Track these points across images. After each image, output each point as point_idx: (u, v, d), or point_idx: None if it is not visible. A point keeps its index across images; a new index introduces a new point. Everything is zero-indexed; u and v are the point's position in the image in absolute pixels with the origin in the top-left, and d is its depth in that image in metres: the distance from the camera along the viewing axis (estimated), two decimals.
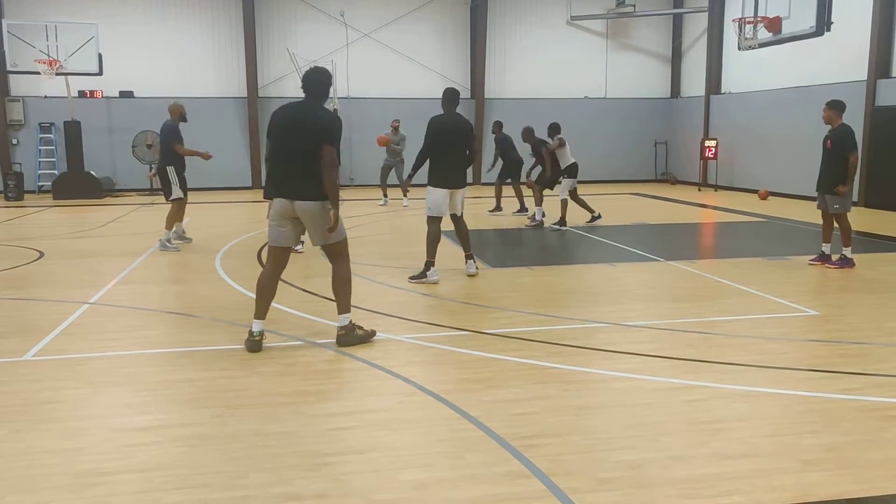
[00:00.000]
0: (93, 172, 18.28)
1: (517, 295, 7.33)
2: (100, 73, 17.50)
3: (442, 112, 7.94)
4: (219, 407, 4.40)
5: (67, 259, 9.56)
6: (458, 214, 8.11)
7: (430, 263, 7.90)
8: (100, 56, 17.32)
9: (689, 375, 4.92)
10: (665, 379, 4.83)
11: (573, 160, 11.77)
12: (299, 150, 5.32)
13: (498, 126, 14.23)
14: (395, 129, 15.90)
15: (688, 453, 3.71)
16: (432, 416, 4.24)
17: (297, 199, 5.36)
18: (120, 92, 19.41)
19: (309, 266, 8.85)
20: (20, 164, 19.00)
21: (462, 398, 4.46)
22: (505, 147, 13.87)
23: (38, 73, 17.05)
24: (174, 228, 10.33)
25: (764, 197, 16.87)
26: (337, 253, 5.63)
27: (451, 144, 7.80)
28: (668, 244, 11.00)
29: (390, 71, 20.73)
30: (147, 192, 18.93)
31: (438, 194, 7.84)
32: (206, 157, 10.17)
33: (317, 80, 5.47)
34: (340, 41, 20.49)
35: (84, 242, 11.06)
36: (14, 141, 19.26)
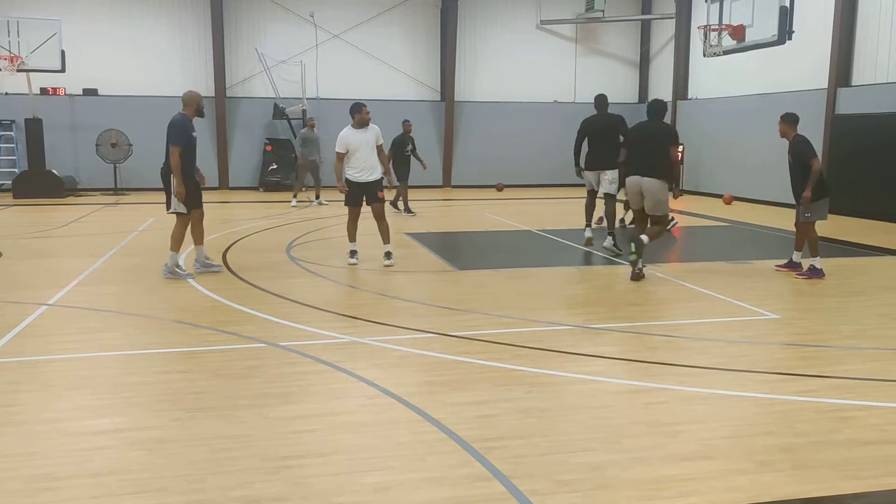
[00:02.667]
0: (54, 171, 17.93)
1: (483, 297, 7.34)
2: (62, 70, 17.17)
3: None
4: (178, 410, 4.34)
5: (26, 259, 9.37)
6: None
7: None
8: (63, 53, 17.00)
9: (652, 378, 4.97)
10: (628, 381, 4.88)
11: None
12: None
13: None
14: (311, 127, 16.16)
15: (648, 455, 3.75)
16: (395, 419, 4.23)
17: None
18: (84, 90, 19.06)
19: (276, 268, 8.79)
20: None
21: (425, 401, 4.46)
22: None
23: None
24: (183, 252, 8.58)
25: (728, 202, 17.12)
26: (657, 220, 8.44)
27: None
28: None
29: (360, 72, 20.67)
30: (111, 192, 18.63)
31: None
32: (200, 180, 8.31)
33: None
34: (310, 42, 20.38)
35: (44, 242, 10.85)
36: None
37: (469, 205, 16.61)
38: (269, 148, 20.03)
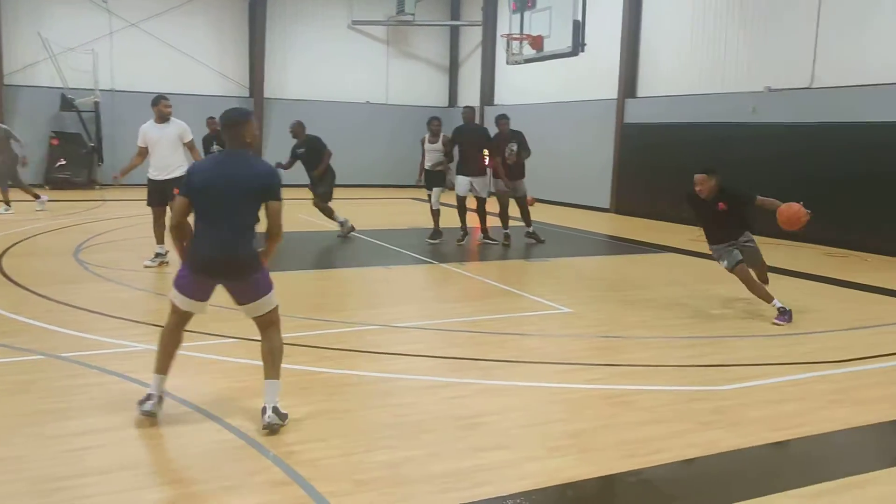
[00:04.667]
0: None
1: (288, 299, 7.18)
2: None
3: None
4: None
5: None
6: None
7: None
8: None
9: (454, 374, 5.10)
10: (430, 378, 4.97)
11: None
12: None
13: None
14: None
15: (446, 449, 3.84)
16: (191, 429, 4.02)
17: None
18: None
19: (60, 273, 8.06)
20: None
21: (223, 408, 4.28)
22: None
23: None
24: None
25: (531, 203, 18.04)
26: None
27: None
28: (441, 247, 11.39)
29: (161, 64, 19.47)
30: None
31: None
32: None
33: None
34: (103, 29, 18.93)
35: None
36: None
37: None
38: (55, 142, 18.33)
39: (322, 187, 11.34)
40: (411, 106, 22.62)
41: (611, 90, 16.55)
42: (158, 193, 8.27)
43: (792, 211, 6.53)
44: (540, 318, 6.77)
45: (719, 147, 12.90)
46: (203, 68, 20.17)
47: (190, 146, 8.39)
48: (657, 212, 14.91)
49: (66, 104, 18.23)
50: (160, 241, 8.44)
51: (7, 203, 13.10)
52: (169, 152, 8.24)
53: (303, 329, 6.05)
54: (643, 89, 16.07)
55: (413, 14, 20.99)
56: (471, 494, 3.35)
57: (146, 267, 8.38)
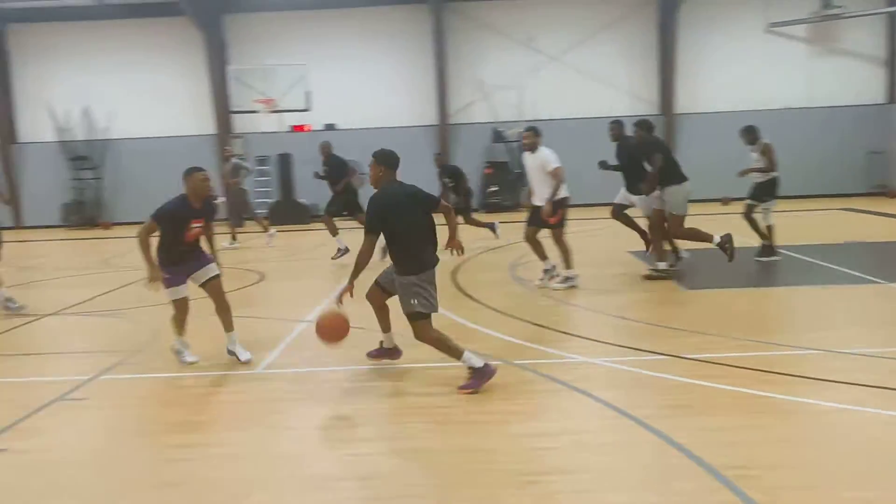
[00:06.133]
0: (302, 200, 19.87)
1: (717, 318, 7.06)
2: (308, 110, 19.03)
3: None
4: (427, 422, 4.65)
5: (283, 281, 10.49)
6: None
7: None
8: (307, 94, 18.85)
9: None
10: (890, 412, 4.46)
11: None
12: None
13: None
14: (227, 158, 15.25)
15: None
16: (635, 441, 4.22)
17: None
18: (325, 125, 21.00)
19: (500, 287, 9.05)
20: (246, 190, 21.10)
21: (665, 424, 4.39)
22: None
23: (257, 111, 18.89)
24: None
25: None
26: None
27: None
28: (889, 264, 10.07)
29: (577, 92, 20.74)
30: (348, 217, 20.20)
31: None
32: None
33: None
34: (528, 65, 20.82)
35: (297, 266, 12.07)
36: None
37: (695, 220, 15.97)
38: (488, 171, 20.71)
39: (334, 205, 12.20)
40: (837, 107, 20.49)
41: None
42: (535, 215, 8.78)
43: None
44: None
45: None
46: (613, 91, 20.89)
47: (552, 173, 8.41)
48: None
49: (497, 136, 20.49)
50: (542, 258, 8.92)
51: (236, 237, 14.88)
52: (535, 178, 8.65)
53: (737, 350, 5.89)
54: None
55: (842, 6, 19.02)
56: None
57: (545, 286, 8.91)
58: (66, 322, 8.26)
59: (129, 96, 21.02)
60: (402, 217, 5.29)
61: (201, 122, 21.27)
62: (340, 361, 6.08)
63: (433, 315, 5.37)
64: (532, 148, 8.63)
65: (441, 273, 9.95)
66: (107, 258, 13.67)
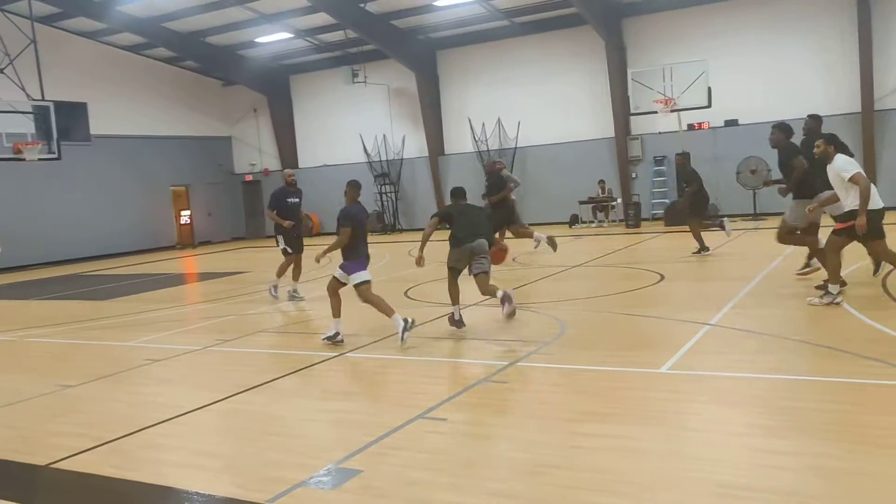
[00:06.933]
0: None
1: None
2: (709, 106, 18.41)
3: None
4: (849, 442, 4.23)
5: (684, 281, 10.36)
6: None
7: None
8: (709, 90, 18.23)
9: None
10: None
11: None
12: None
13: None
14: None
15: None
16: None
17: None
18: (725, 121, 20.11)
19: None
20: (638, 195, 21.37)
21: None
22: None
23: (655, 112, 18.89)
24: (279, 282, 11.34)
25: None
26: None
27: None
28: None
29: None
30: (750, 217, 19.11)
31: None
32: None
33: None
34: None
35: (696, 266, 11.80)
36: (633, 175, 21.74)
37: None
38: None
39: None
40: None
41: None
42: None
43: None
44: None
45: None
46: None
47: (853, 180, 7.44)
48: None
49: None
50: None
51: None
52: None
53: None
54: None
55: None
56: None
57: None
58: (480, 313, 9.24)
59: (536, 106, 22.66)
60: None
61: (600, 127, 21.99)
62: (745, 368, 5.83)
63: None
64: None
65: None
66: (514, 256, 14.86)
